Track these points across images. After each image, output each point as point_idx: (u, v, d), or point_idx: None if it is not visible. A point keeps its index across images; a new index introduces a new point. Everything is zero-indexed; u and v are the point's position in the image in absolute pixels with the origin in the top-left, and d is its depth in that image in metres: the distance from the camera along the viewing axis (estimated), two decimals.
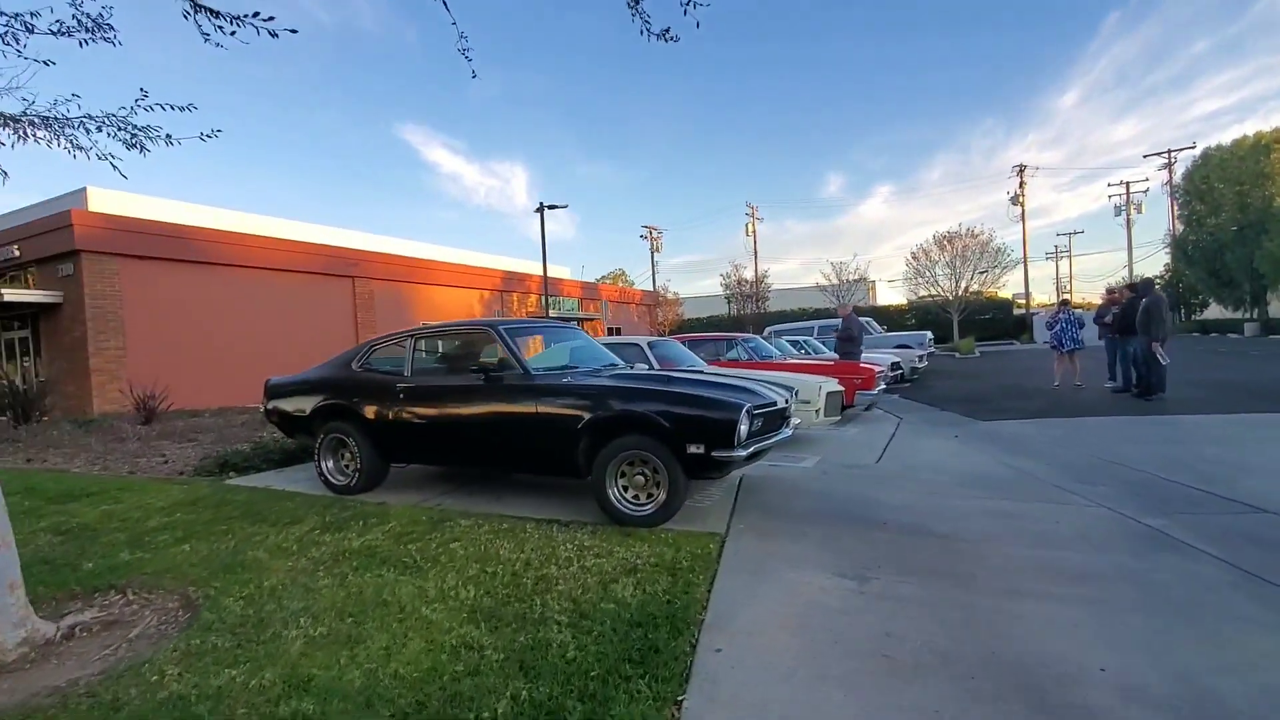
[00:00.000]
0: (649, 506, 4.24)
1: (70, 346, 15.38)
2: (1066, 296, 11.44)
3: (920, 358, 15.73)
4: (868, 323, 18.72)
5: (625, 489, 4.33)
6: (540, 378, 4.61)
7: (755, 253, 42.56)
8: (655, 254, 45.43)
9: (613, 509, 4.29)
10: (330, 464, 5.45)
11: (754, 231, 43.58)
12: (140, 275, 15.89)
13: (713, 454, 3.97)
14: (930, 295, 33.95)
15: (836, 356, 12.41)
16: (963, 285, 32.55)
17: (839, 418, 7.44)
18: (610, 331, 32.18)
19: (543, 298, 20.56)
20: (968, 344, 27.33)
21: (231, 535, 4.33)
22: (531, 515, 4.62)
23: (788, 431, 4.75)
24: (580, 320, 31.21)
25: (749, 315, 33.67)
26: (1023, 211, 39.39)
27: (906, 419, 9.47)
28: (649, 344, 7.48)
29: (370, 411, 5.23)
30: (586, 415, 4.32)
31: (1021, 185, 39.57)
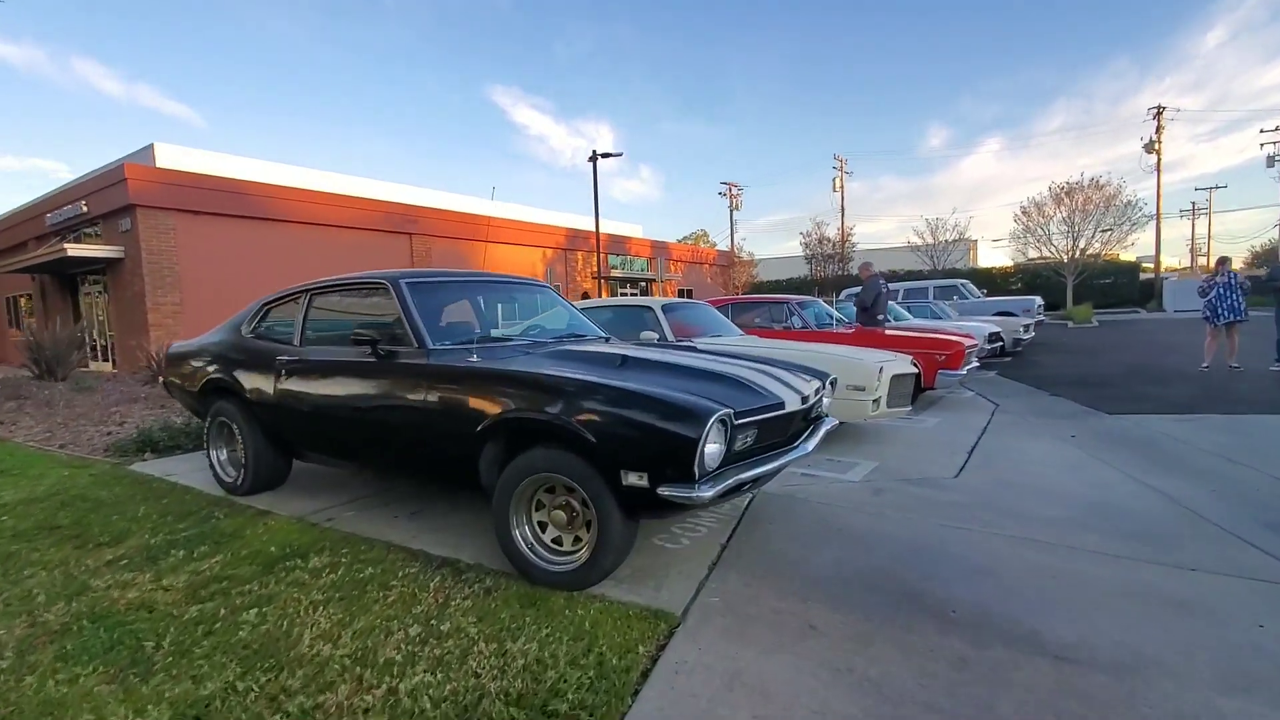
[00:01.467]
0: (569, 559, 2.73)
1: (131, 301, 15.37)
2: (1226, 254, 9.06)
3: (1026, 327, 13.20)
4: (962, 285, 16.11)
5: (543, 527, 2.83)
6: (440, 355, 3.12)
7: (842, 209, 39.25)
8: (734, 211, 42.88)
9: (518, 556, 2.80)
10: (222, 455, 4.25)
11: (841, 186, 40.18)
12: (197, 231, 15.61)
13: (659, 490, 2.39)
14: (1041, 257, 29.90)
15: (916, 326, 10.30)
16: (1080, 245, 28.35)
17: (909, 408, 5.59)
18: (681, 293, 30.40)
19: (596, 255, 19.09)
20: (1084, 311, 23.68)
21: (14, 563, 3.16)
22: (432, 549, 3.21)
23: (807, 447, 3.06)
24: (648, 281, 29.64)
25: (830, 277, 30.91)
26: (1158, 160, 34.04)
27: (1004, 407, 7.41)
28: (664, 307, 5.87)
29: (255, 391, 3.96)
30: (486, 415, 2.82)
31: (1159, 129, 34.13)
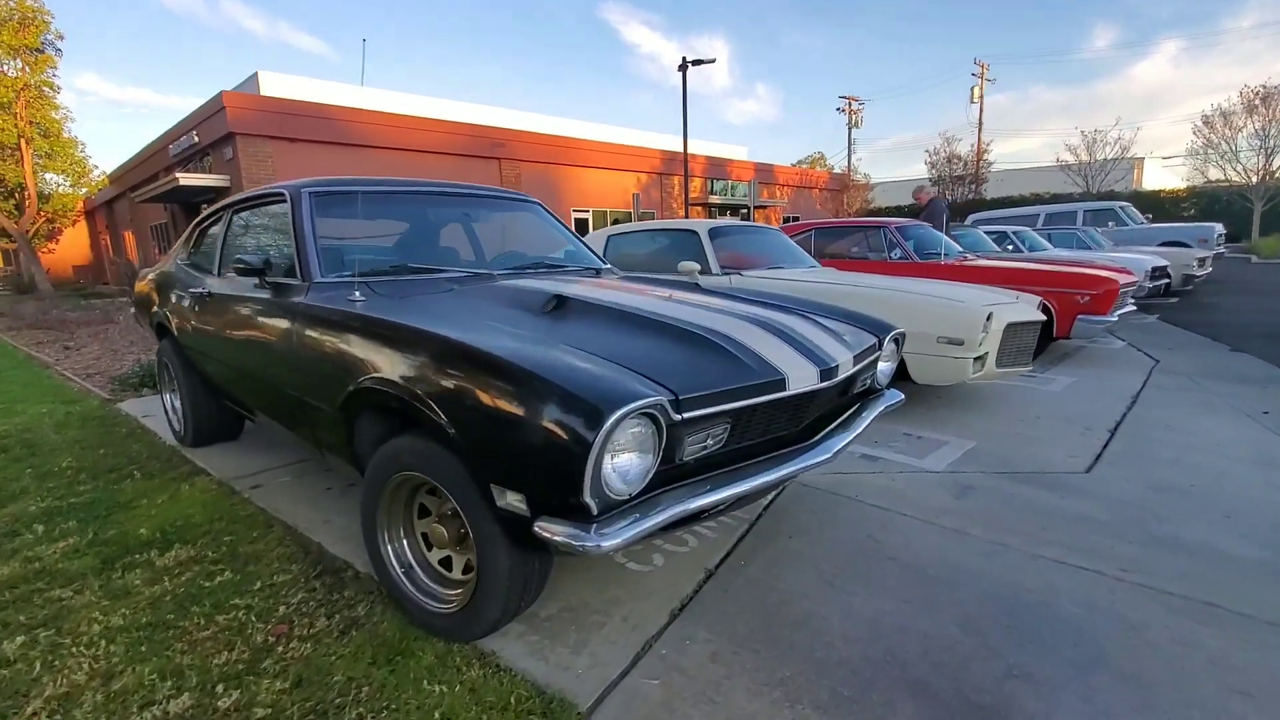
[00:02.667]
0: (450, 596, 1.85)
1: None
2: None
3: (1201, 261, 10.64)
4: (1121, 209, 13.33)
5: (426, 544, 1.96)
6: (320, 291, 2.25)
7: (980, 122, 34.56)
8: (852, 129, 38.99)
9: (388, 580, 1.97)
10: (173, 401, 3.70)
11: (980, 96, 35.25)
12: (293, 158, 15.73)
13: (536, 525, 1.43)
14: (1224, 180, 24.77)
15: (1056, 258, 8.41)
16: (1277, 163, 23.11)
17: (1029, 366, 4.18)
18: (787, 220, 28.18)
19: (684, 178, 17.55)
20: (1273, 244, 19.36)
21: None
22: (333, 543, 2.46)
23: (833, 445, 1.92)
24: (751, 208, 27.62)
25: (959, 201, 27.32)
26: None
27: (1166, 364, 5.69)
28: (711, 231, 4.69)
29: (179, 329, 3.33)
30: (343, 382, 1.95)
31: None
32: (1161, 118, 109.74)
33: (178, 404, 3.62)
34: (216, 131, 15.39)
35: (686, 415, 1.49)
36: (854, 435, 2.05)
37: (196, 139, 16.40)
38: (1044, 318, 4.04)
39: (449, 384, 1.58)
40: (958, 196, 28.22)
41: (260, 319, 2.49)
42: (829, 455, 1.86)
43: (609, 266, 3.22)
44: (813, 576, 2.19)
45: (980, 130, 33.77)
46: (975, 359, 3.60)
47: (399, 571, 1.93)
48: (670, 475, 1.58)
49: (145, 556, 2.35)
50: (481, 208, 3.15)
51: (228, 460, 3.42)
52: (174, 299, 3.40)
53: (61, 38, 20.78)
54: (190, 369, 3.34)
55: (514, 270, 2.74)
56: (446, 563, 1.93)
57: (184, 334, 3.27)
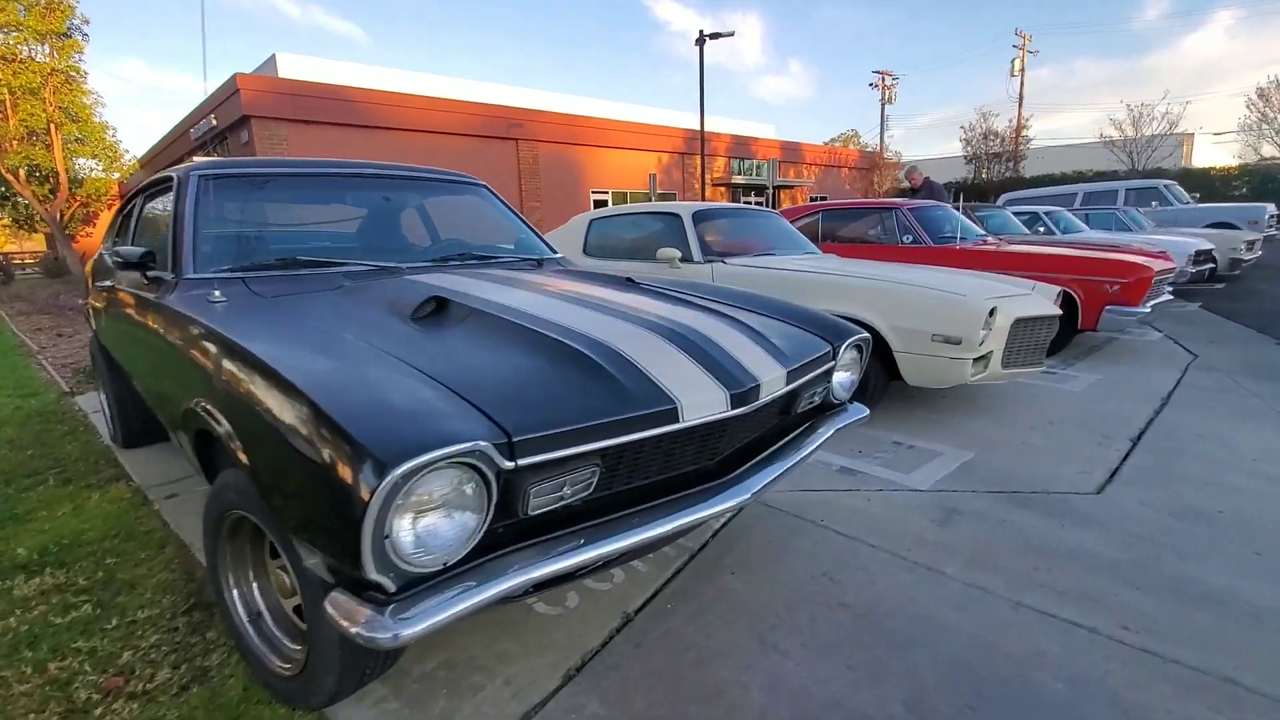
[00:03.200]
0: (293, 655, 1.57)
1: None
2: None
3: (1250, 244, 9.83)
4: (1166, 187, 12.44)
5: (275, 589, 1.68)
6: (186, 290, 1.96)
7: (1020, 96, 33.01)
8: (885, 106, 37.63)
9: (232, 626, 1.69)
10: (102, 396, 3.50)
11: (1022, 69, 33.65)
12: (308, 140, 15.64)
13: (327, 602, 1.12)
14: (1278, 158, 23.18)
15: (1089, 241, 7.81)
16: None
17: (1040, 367, 3.73)
18: (814, 200, 27.35)
19: (701, 157, 16.96)
20: None
21: None
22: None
23: (735, 497, 1.51)
24: (770, 187, 26.82)
25: (995, 179, 26.11)
26: None
27: (1205, 359, 5.14)
28: (696, 215, 4.31)
29: (96, 320, 3.11)
30: (179, 400, 1.67)
31: None
32: (1215, 92, 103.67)
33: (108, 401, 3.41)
34: (232, 114, 15.35)
35: (526, 461, 1.16)
36: (791, 464, 1.70)
37: (214, 122, 16.41)
38: (1059, 312, 3.57)
39: (247, 410, 1.28)
40: (994, 174, 27.04)
41: (138, 316, 2.22)
42: (747, 495, 1.51)
43: (559, 257, 2.89)
44: (745, 629, 1.85)
45: (1021, 105, 32.29)
46: (976, 360, 3.18)
47: (244, 619, 1.65)
48: (521, 530, 1.25)
49: (8, 583, 2.12)
50: (412, 191, 2.83)
51: (157, 464, 3.21)
52: (94, 288, 3.18)
53: (87, 22, 20.98)
54: (111, 364, 3.12)
55: (434, 263, 2.42)
56: (301, 611, 1.64)
57: (99, 326, 3.05)
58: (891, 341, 3.24)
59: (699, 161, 24.18)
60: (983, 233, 6.43)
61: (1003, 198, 13.90)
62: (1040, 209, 9.46)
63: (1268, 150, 23.83)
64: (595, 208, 21.67)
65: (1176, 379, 4.63)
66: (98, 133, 25.85)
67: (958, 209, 8.13)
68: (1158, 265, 5.12)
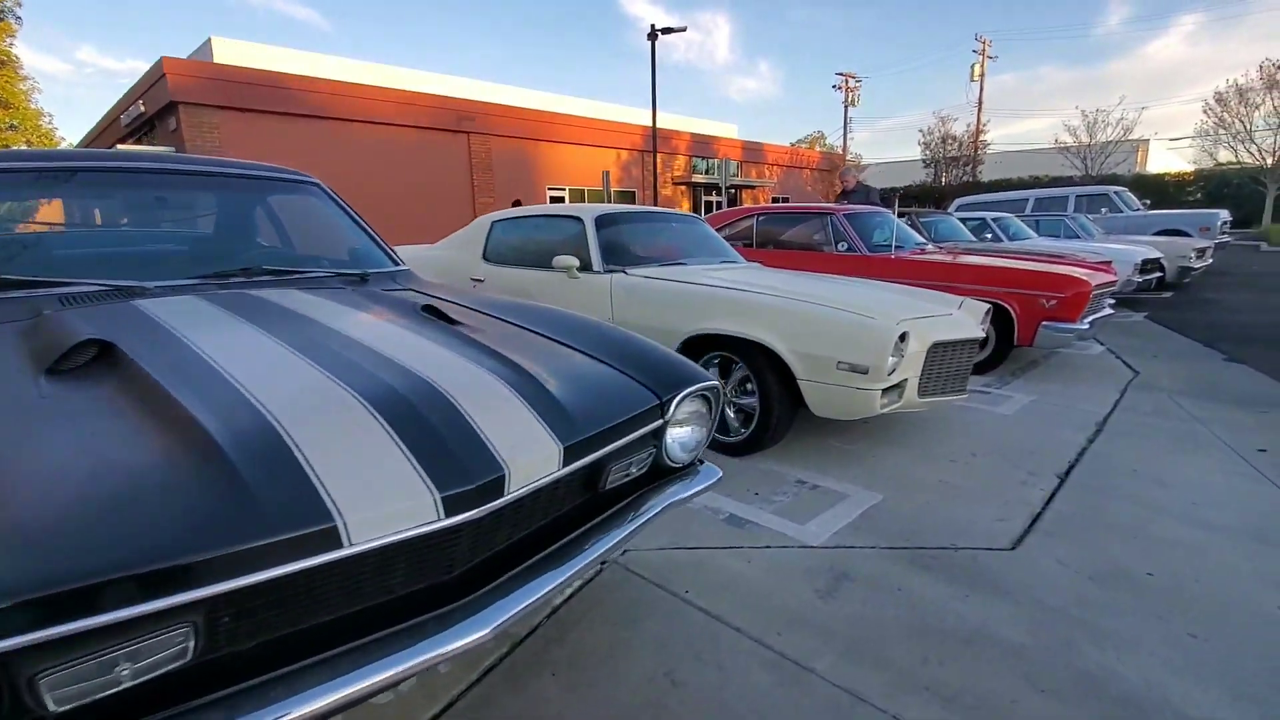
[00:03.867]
0: None
1: None
2: None
3: (1200, 252, 9.77)
4: (1117, 193, 12.41)
5: None
6: None
7: (980, 102, 33.34)
8: (849, 108, 37.73)
9: None
10: None
11: (982, 74, 34.01)
12: (242, 129, 14.83)
13: None
14: (1235, 162, 23.62)
15: (1035, 249, 7.60)
16: None
17: (964, 394, 3.38)
18: (776, 200, 27.18)
19: (653, 155, 16.53)
20: None
21: None
22: None
23: (461, 638, 1.06)
24: (725, 187, 26.58)
25: (953, 184, 26.23)
26: None
27: (1147, 376, 4.90)
28: (600, 219, 3.87)
29: None
30: None
31: None
32: (1176, 98, 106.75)
33: None
34: (160, 100, 14.49)
35: (31, 638, 0.71)
36: (579, 565, 1.27)
37: (143, 108, 15.48)
38: (981, 334, 3.22)
39: None
40: (952, 179, 27.19)
41: None
42: (485, 632, 1.07)
43: (398, 270, 2.43)
44: None
45: (980, 110, 32.61)
46: (887, 390, 2.81)
47: None
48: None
49: None
50: (207, 189, 2.34)
51: None
52: None
53: (20, 4, 19.76)
54: None
55: (206, 279, 1.94)
56: None
57: None
58: (794, 368, 2.85)
59: (660, 159, 23.82)
60: (922, 240, 6.13)
61: (955, 203, 13.77)
62: (988, 215, 9.26)
63: (1224, 156, 24.31)
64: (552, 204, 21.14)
65: (1115, 400, 4.35)
66: (32, 119, 24.42)
67: (902, 215, 7.87)
68: (1098, 278, 4.85)
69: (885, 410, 2.85)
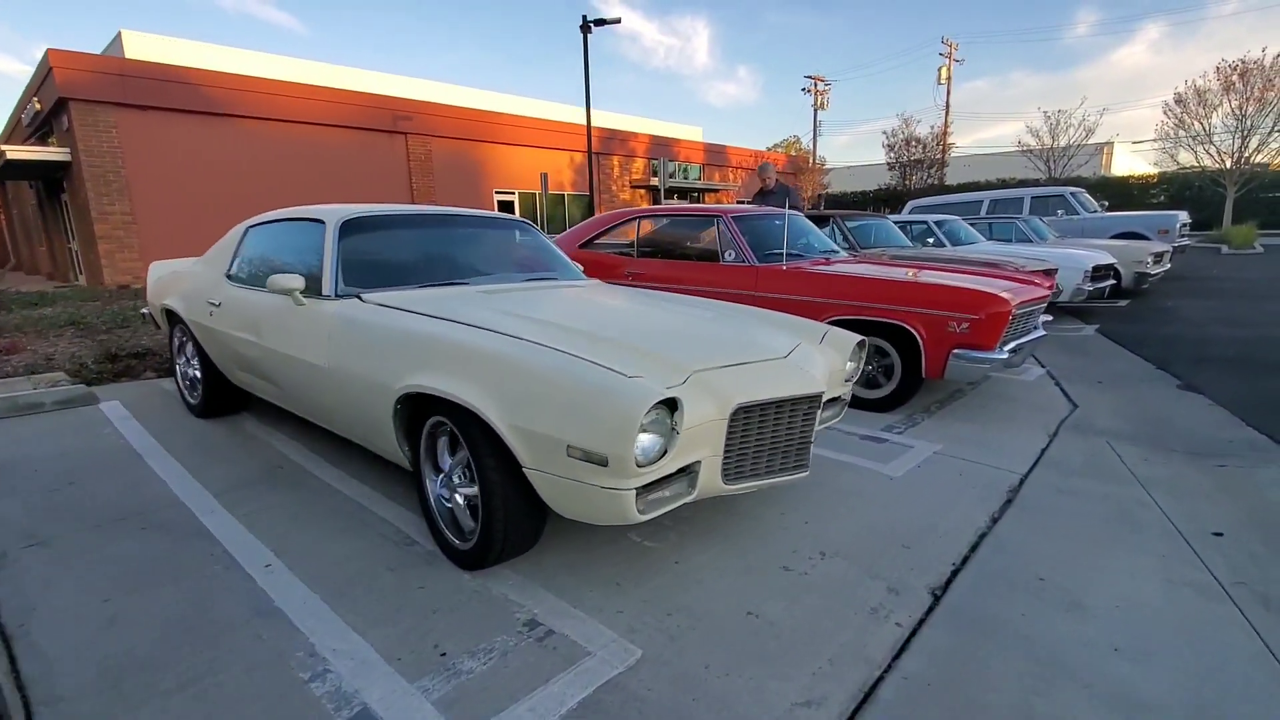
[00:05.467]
0: None
1: (79, 211, 13.80)
2: None
3: (1157, 256, 8.95)
4: (1073, 195, 11.61)
5: None
6: None
7: (947, 105, 32.79)
8: (818, 111, 37.08)
9: None
10: None
11: (949, 77, 33.50)
12: (145, 129, 13.61)
13: None
14: (1196, 165, 23.09)
15: (972, 255, 6.73)
16: (1253, 146, 21.46)
17: (805, 472, 2.37)
18: (741, 203, 26.31)
19: (589, 155, 15.42)
20: (1244, 233, 17.78)
21: None
22: None
23: None
24: (702, 192, 25.72)
25: (918, 187, 25.48)
26: None
27: (1084, 413, 3.98)
28: (343, 225, 2.85)
29: None
30: None
31: None
32: (1140, 102, 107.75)
33: None
34: (50, 97, 13.23)
35: None
36: None
37: (38, 106, 14.19)
38: (818, 389, 2.19)
39: None
40: (917, 182, 26.49)
41: None
42: None
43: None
44: None
45: (947, 112, 32.05)
46: (649, 488, 1.81)
47: None
48: None
49: None
50: None
51: None
52: None
53: None
54: None
55: None
56: None
57: None
58: (514, 449, 1.85)
59: (617, 161, 22.88)
60: (834, 248, 5.18)
61: (909, 205, 12.93)
62: (931, 219, 8.37)
63: (1184, 158, 23.79)
64: (500, 209, 20.04)
65: (1041, 448, 3.41)
66: None
67: (826, 219, 6.95)
68: (1025, 293, 3.91)
69: (655, 515, 1.86)
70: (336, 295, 2.65)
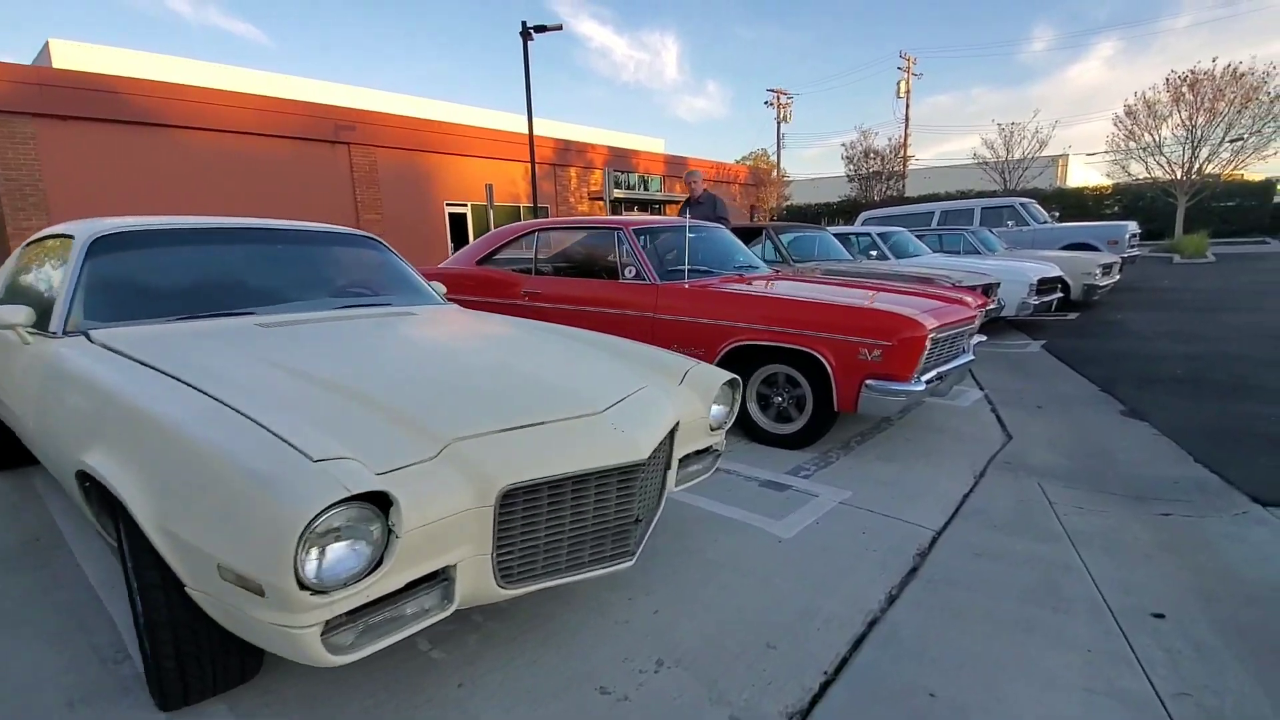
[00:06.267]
0: None
1: None
2: None
3: (1106, 268, 8.69)
4: (1023, 205, 11.38)
5: None
6: None
7: (906, 117, 32.96)
8: (781, 124, 37.12)
9: None
10: None
11: (908, 90, 33.74)
12: (67, 140, 12.78)
13: None
14: (1147, 177, 23.29)
15: (901, 273, 6.34)
16: (1204, 156, 21.67)
17: (626, 561, 1.85)
18: (705, 218, 25.96)
19: (531, 164, 14.89)
20: (1195, 242, 17.85)
21: None
22: None
23: None
24: (663, 204, 25.33)
25: (878, 199, 25.41)
26: None
27: (1016, 447, 3.53)
28: (92, 244, 2.25)
29: None
30: None
31: None
32: (1097, 116, 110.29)
33: None
34: None
35: None
36: None
37: None
38: (639, 457, 1.66)
39: None
40: (876, 194, 26.45)
41: None
42: None
43: None
44: None
45: (907, 125, 32.23)
46: (353, 612, 1.27)
47: None
48: None
49: None
50: None
51: None
52: None
53: None
54: None
55: None
56: None
57: None
58: (170, 561, 1.30)
59: (574, 173, 22.40)
60: (755, 263, 4.71)
61: (860, 216, 12.63)
62: (875, 231, 7.99)
63: (1135, 169, 24.01)
64: (451, 221, 19.40)
65: (962, 495, 2.94)
66: None
67: (753, 232, 6.51)
68: (948, 314, 3.45)
69: (380, 647, 1.31)
70: (63, 332, 2.07)
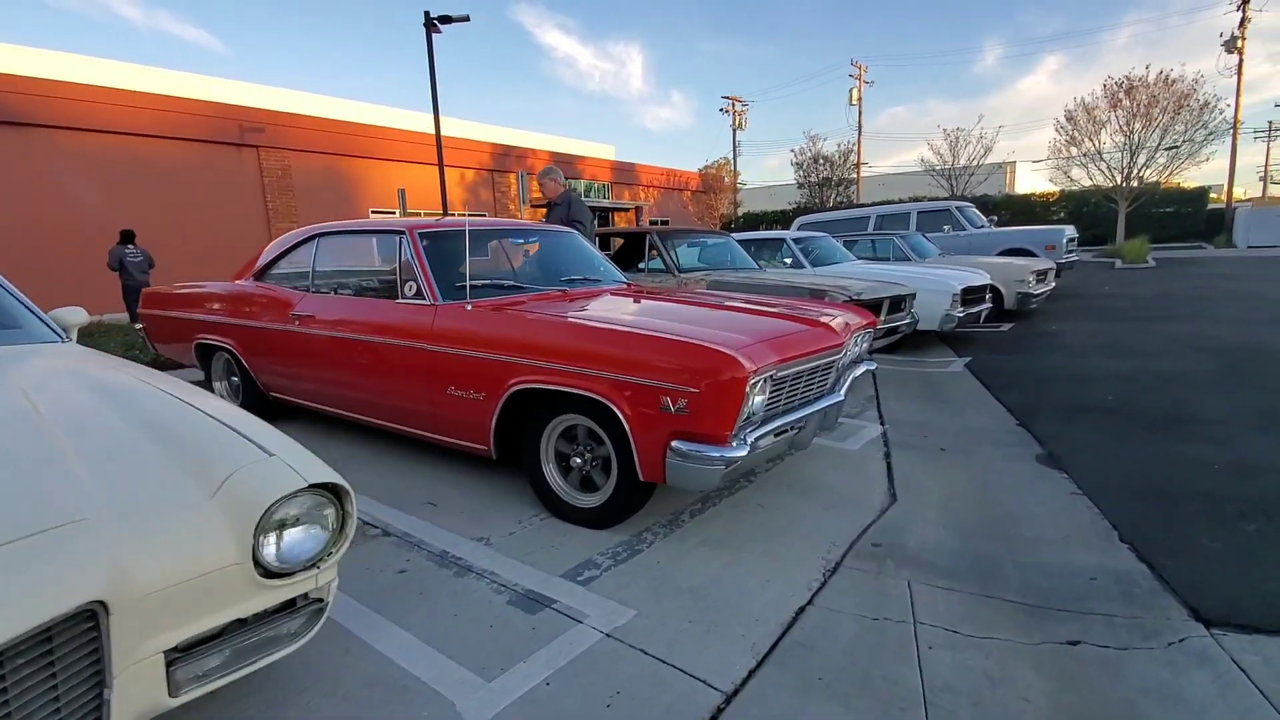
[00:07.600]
0: None
1: None
2: None
3: (1041, 275, 7.97)
4: (959, 210, 10.70)
5: None
6: None
7: (859, 125, 32.62)
8: (736, 131, 36.55)
9: None
10: None
11: (860, 98, 33.45)
12: None
13: None
14: (1092, 184, 23.10)
15: (806, 281, 5.47)
16: (1142, 161, 21.53)
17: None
18: (655, 223, 25.09)
19: (439, 167, 13.78)
20: (1136, 248, 17.51)
21: None
22: None
23: None
24: (611, 211, 24.42)
25: (828, 205, 24.83)
26: (1240, 61, 25.89)
27: (894, 519, 2.62)
28: None
29: None
30: None
31: (1243, 23, 25.90)
32: (1043, 125, 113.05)
33: None
34: None
35: None
36: None
37: None
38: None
39: None
40: (825, 200, 25.92)
41: None
42: None
43: None
44: None
45: (860, 132, 31.89)
46: None
47: None
48: None
49: None
50: None
51: None
52: None
53: None
54: None
55: None
56: None
57: None
58: None
59: (512, 179, 21.32)
60: (597, 276, 3.76)
61: (796, 222, 11.86)
62: (789, 235, 7.14)
63: (1077, 174, 23.84)
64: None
65: (799, 607, 2.01)
66: None
67: (630, 237, 5.60)
68: (790, 346, 2.53)
69: None
70: None
